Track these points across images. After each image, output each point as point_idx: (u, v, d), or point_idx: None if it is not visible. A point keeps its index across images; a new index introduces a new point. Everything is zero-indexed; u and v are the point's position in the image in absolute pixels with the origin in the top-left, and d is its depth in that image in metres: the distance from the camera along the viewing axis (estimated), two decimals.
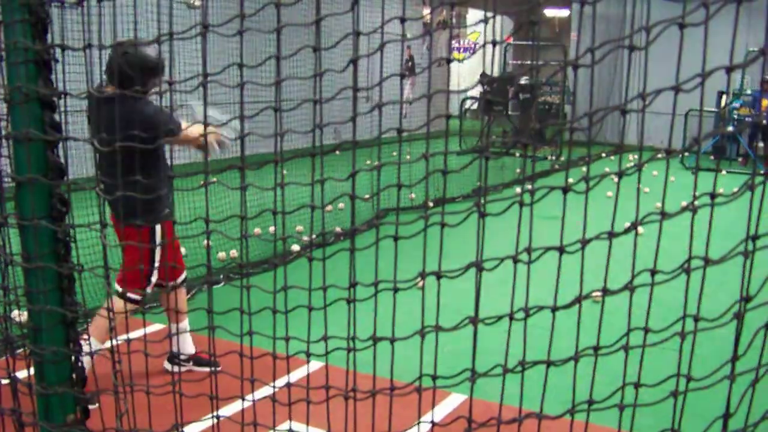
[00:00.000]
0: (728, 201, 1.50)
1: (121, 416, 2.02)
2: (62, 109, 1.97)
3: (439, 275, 1.74)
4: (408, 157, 11.15)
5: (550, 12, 19.57)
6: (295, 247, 6.23)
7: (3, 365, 2.22)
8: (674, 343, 1.68)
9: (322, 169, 1.83)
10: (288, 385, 2.00)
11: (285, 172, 1.88)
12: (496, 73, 15.87)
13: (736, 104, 12.66)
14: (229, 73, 2.03)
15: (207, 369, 3.79)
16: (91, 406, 2.20)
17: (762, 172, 1.50)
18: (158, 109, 3.40)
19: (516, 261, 1.67)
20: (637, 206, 1.64)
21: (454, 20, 16.33)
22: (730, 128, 12.42)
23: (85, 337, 2.16)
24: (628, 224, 1.62)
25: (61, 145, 1.98)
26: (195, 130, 3.46)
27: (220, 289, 5.20)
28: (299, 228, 6.91)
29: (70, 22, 2.06)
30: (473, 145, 12.96)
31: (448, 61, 1.69)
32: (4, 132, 2.00)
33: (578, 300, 1.66)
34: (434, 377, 1.81)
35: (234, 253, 6.23)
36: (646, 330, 1.68)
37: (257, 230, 6.57)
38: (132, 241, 3.35)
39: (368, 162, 9.50)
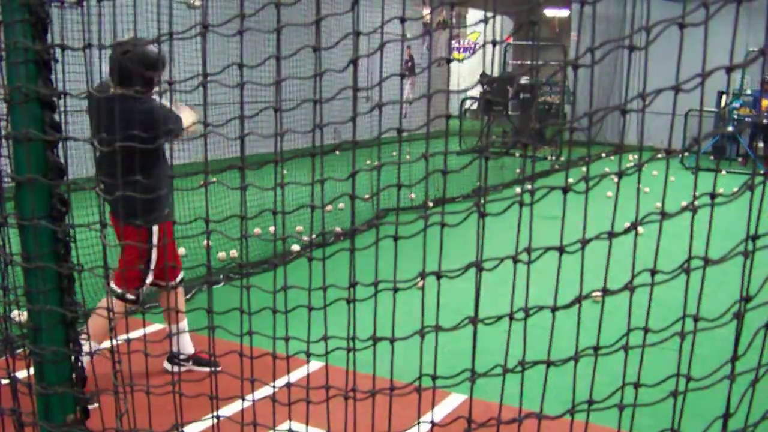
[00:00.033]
0: (728, 201, 1.50)
1: (121, 416, 2.02)
2: (62, 109, 1.97)
3: (439, 275, 1.74)
4: (408, 157, 11.15)
5: (550, 12, 19.57)
6: (295, 247, 6.23)
7: (3, 365, 2.22)
8: (674, 343, 1.68)
9: (322, 169, 1.83)
10: (288, 385, 2.00)
11: (285, 172, 1.88)
12: (496, 73, 15.87)
13: (736, 104, 12.66)
14: (229, 73, 2.03)
15: (207, 369, 3.79)
16: (90, 406, 2.20)
17: (762, 172, 1.50)
18: (159, 106, 3.39)
19: (516, 261, 1.67)
20: (637, 206, 1.64)
21: (454, 20, 16.33)
22: (730, 128, 12.42)
23: (85, 336, 2.15)
24: (628, 224, 1.62)
25: (60, 145, 1.98)
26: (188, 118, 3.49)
27: (220, 289, 5.20)
28: (299, 228, 6.91)
29: (70, 22, 2.06)
30: (473, 145, 12.96)
31: (448, 61, 1.69)
32: (4, 132, 2.00)
33: (578, 300, 1.66)
34: (434, 377, 1.81)
35: (234, 253, 6.22)
36: (646, 330, 1.68)
37: (257, 230, 6.57)
38: (131, 240, 3.35)
39: (368, 162, 9.50)
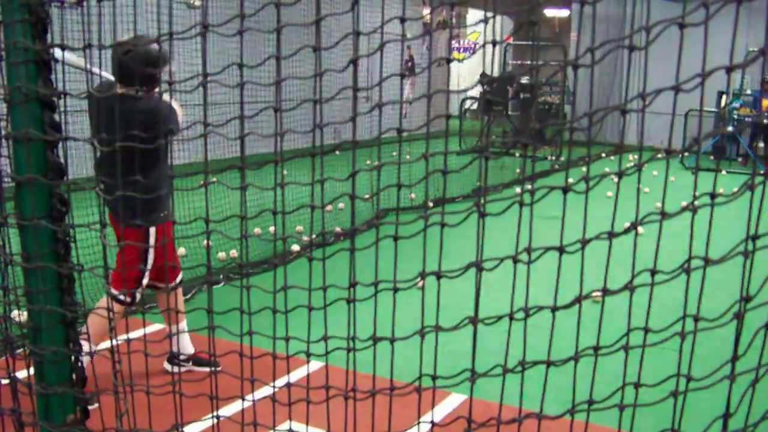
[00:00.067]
0: (728, 201, 1.50)
1: (121, 416, 2.02)
2: (62, 109, 1.97)
3: (439, 275, 1.74)
4: (408, 157, 11.15)
5: (550, 12, 19.57)
6: (295, 247, 6.23)
7: (3, 365, 2.22)
8: (674, 343, 1.68)
9: (322, 169, 1.83)
10: (288, 385, 2.00)
11: (285, 172, 1.88)
12: (496, 73, 15.87)
13: (736, 104, 12.66)
14: (229, 73, 2.03)
15: (207, 369, 3.79)
16: (90, 407, 2.20)
17: (762, 172, 1.50)
18: (160, 105, 3.38)
19: (516, 261, 1.67)
20: (637, 206, 1.64)
21: (454, 20, 16.33)
22: (730, 128, 12.42)
23: (85, 336, 2.16)
24: (628, 224, 1.62)
25: (60, 145, 1.98)
26: None
27: (220, 289, 5.20)
28: (299, 228, 6.91)
29: (70, 22, 2.06)
30: (473, 145, 12.96)
31: (448, 61, 1.69)
32: (4, 132, 2.00)
33: (578, 300, 1.66)
34: (434, 377, 1.81)
35: (234, 253, 6.23)
36: (646, 330, 1.68)
37: (257, 230, 6.57)
38: (130, 240, 3.35)
39: (368, 162, 9.50)
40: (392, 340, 1.84)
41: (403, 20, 1.67)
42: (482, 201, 1.65)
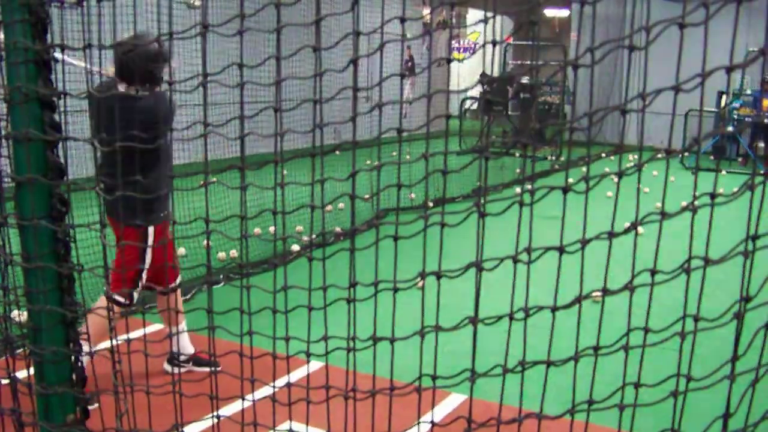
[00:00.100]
0: (728, 201, 1.50)
1: (121, 416, 2.02)
2: (62, 109, 1.97)
3: (439, 275, 1.74)
4: (408, 157, 11.15)
5: (550, 12, 19.57)
6: (295, 247, 6.23)
7: (3, 365, 2.22)
8: (674, 343, 1.68)
9: (322, 169, 1.83)
10: (288, 385, 2.00)
11: (285, 172, 1.88)
12: (496, 73, 15.87)
13: (736, 104, 12.66)
14: (229, 73, 2.03)
15: (207, 369, 3.79)
16: (90, 407, 2.20)
17: (762, 172, 1.50)
18: (159, 103, 3.37)
19: (516, 261, 1.67)
20: (637, 206, 1.64)
21: (454, 20, 16.33)
22: (730, 128, 12.42)
23: (85, 336, 2.16)
24: (628, 224, 1.62)
25: (61, 145, 1.98)
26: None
27: (220, 289, 5.20)
28: (299, 228, 6.91)
29: (70, 22, 2.06)
30: (473, 145, 12.96)
31: (448, 61, 1.69)
32: (4, 132, 2.00)
33: (578, 300, 1.66)
34: (434, 377, 1.81)
35: (234, 253, 6.22)
36: (646, 330, 1.68)
37: (257, 230, 6.57)
38: (131, 240, 3.35)
39: (368, 162, 9.50)
40: (392, 340, 1.84)
41: (403, 20, 1.67)
42: (482, 201, 1.65)
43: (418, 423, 2.00)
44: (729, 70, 1.43)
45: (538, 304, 1.71)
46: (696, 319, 1.61)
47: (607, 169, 10.32)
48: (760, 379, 1.65)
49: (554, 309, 1.69)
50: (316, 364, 3.27)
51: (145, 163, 3.31)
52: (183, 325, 3.88)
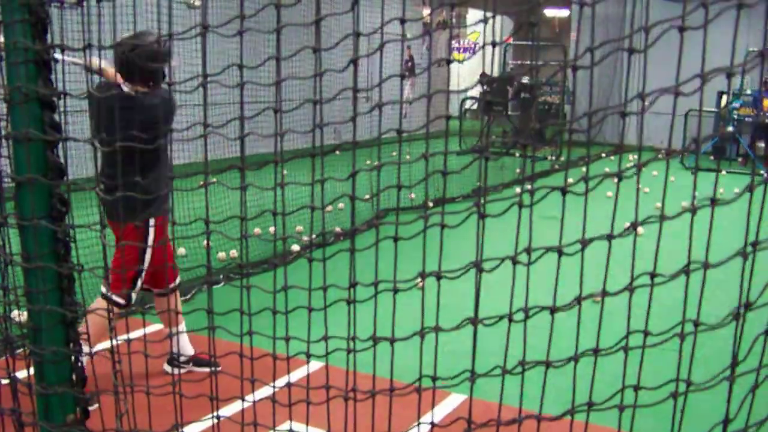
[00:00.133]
0: (728, 203, 1.50)
1: (121, 416, 2.02)
2: (62, 109, 1.97)
3: (439, 275, 1.74)
4: (408, 157, 11.15)
5: (550, 12, 19.57)
6: (295, 247, 6.22)
7: (3, 365, 2.22)
8: (675, 343, 1.68)
9: (322, 169, 1.83)
10: (288, 385, 2.00)
11: (285, 172, 1.88)
12: (496, 74, 15.87)
13: (736, 104, 12.66)
14: (229, 73, 2.03)
15: (207, 369, 3.78)
16: (90, 408, 2.20)
17: (762, 172, 1.50)
18: (159, 103, 3.37)
19: (515, 262, 1.67)
20: (636, 207, 1.64)
21: (454, 20, 16.33)
22: (731, 128, 12.41)
23: (85, 337, 2.16)
24: (628, 224, 1.62)
25: (61, 145, 1.98)
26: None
27: (220, 289, 5.20)
28: (299, 228, 6.91)
29: (70, 22, 2.06)
30: (473, 145, 12.96)
31: (448, 61, 1.69)
32: (4, 132, 2.00)
33: (578, 301, 1.66)
34: (434, 377, 1.81)
35: (234, 253, 6.22)
36: (646, 333, 1.68)
37: (257, 230, 6.57)
38: (131, 239, 3.35)
39: (368, 162, 9.50)
40: (392, 341, 1.84)
41: (403, 21, 1.67)
42: (482, 201, 1.65)
43: (418, 423, 2.00)
44: (729, 75, 1.42)
45: (538, 304, 1.71)
46: (696, 324, 1.61)
47: (607, 169, 10.31)
48: (760, 384, 1.65)
49: (554, 310, 1.69)
50: (316, 365, 3.27)
51: (144, 163, 3.31)
52: (182, 326, 3.88)
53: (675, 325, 1.65)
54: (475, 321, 1.73)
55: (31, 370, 2.10)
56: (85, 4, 1.80)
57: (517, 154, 11.79)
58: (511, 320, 1.70)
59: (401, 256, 1.77)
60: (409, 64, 15.80)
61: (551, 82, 15.06)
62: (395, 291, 1.79)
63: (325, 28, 1.77)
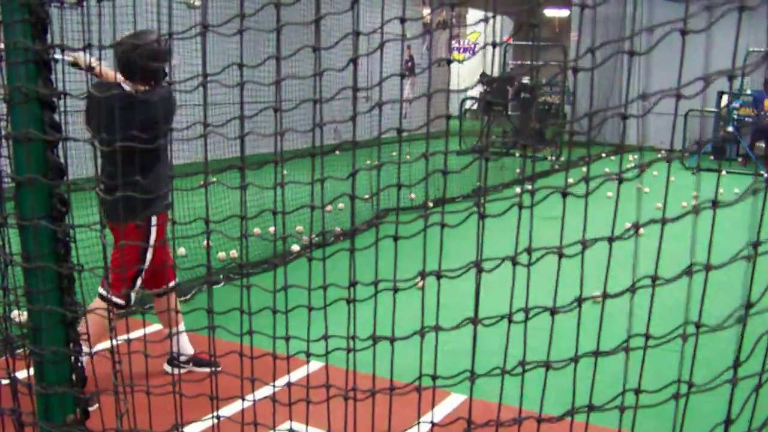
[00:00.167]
0: (729, 204, 1.50)
1: (121, 416, 2.02)
2: (62, 109, 1.97)
3: (439, 275, 1.74)
4: (408, 157, 11.14)
5: (550, 12, 19.57)
6: (295, 247, 6.22)
7: (3, 365, 2.22)
8: (676, 344, 1.68)
9: (322, 169, 1.83)
10: (288, 385, 2.00)
11: (285, 172, 1.88)
12: (496, 74, 15.87)
13: (736, 104, 12.65)
14: (229, 73, 2.03)
15: (207, 369, 3.78)
16: (90, 408, 2.20)
17: (762, 172, 1.50)
18: (159, 102, 3.36)
19: (515, 263, 1.67)
20: (637, 207, 1.64)
21: (454, 20, 16.33)
22: (731, 128, 12.40)
23: (85, 337, 2.16)
24: (628, 224, 1.62)
25: (61, 145, 1.98)
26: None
27: (220, 289, 5.20)
28: (299, 228, 6.91)
29: (70, 22, 2.06)
30: (473, 145, 12.95)
31: (448, 61, 1.69)
32: (4, 132, 2.00)
33: (578, 301, 1.66)
34: (434, 377, 1.81)
35: (234, 253, 6.22)
36: (647, 336, 1.67)
37: (257, 230, 6.57)
38: (131, 238, 3.34)
39: (368, 162, 9.50)
40: (392, 340, 1.84)
41: (403, 20, 1.66)
42: (482, 201, 1.64)
43: (418, 423, 2.00)
44: (731, 78, 1.42)
45: (539, 304, 1.71)
46: (698, 326, 1.60)
47: (607, 170, 10.31)
48: (762, 384, 1.65)
49: (554, 311, 1.69)
50: (316, 364, 3.27)
51: (145, 162, 3.31)
52: (182, 326, 3.88)
53: (677, 327, 1.65)
54: (475, 321, 1.73)
55: (31, 370, 2.10)
56: (85, 4, 1.80)
57: (517, 154, 11.79)
58: (511, 321, 1.70)
59: (401, 255, 1.77)
60: (409, 63, 15.80)
61: (551, 82, 15.05)
62: (395, 290, 1.79)
63: (325, 27, 1.77)
